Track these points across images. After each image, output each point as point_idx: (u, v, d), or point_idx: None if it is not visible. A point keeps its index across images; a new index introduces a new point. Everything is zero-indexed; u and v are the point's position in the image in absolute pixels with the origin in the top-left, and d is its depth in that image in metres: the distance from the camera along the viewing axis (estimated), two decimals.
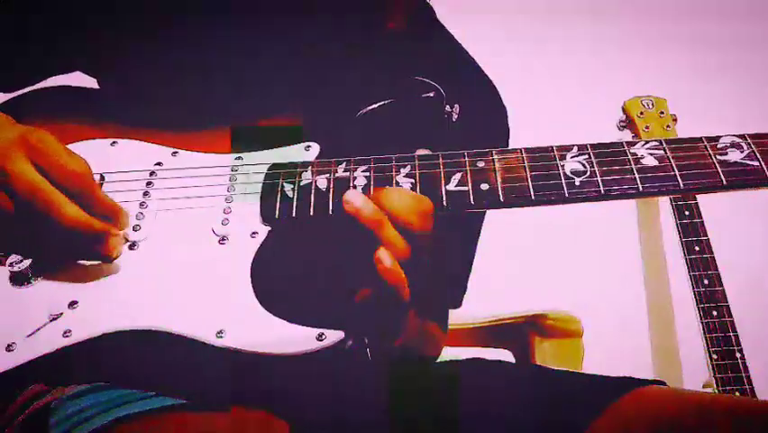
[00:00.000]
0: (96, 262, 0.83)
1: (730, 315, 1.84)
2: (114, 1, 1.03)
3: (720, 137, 0.82)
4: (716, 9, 2.24)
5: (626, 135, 2.04)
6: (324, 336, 0.77)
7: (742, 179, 0.79)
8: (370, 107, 0.97)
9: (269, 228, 0.85)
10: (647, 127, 1.97)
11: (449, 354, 1.14)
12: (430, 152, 0.86)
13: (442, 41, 1.18)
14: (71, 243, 0.81)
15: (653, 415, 0.83)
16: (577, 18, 2.28)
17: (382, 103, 0.97)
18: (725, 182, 0.79)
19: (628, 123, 2.02)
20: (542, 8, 2.24)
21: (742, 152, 0.80)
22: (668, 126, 1.97)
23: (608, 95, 2.10)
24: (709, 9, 2.24)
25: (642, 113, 1.99)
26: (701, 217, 1.94)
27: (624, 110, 2.03)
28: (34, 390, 0.78)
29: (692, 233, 1.92)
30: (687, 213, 1.95)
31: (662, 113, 1.99)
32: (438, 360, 1.14)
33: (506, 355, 1.65)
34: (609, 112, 2.07)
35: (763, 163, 0.79)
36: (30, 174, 0.79)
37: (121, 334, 0.78)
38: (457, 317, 1.57)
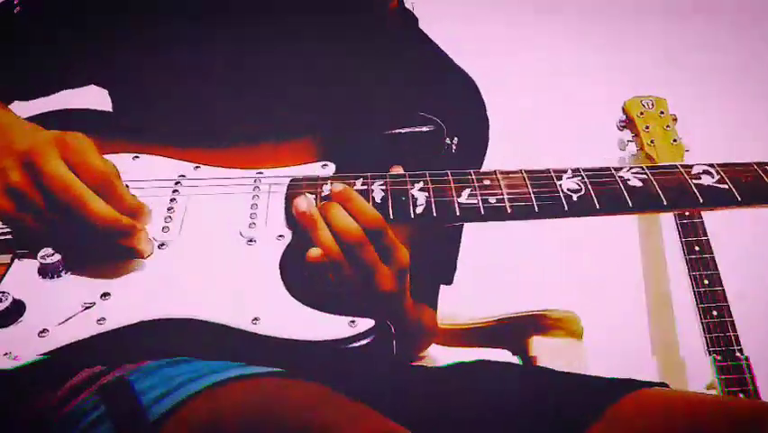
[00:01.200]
0: (124, 260, 0.86)
1: (730, 315, 1.84)
2: (132, 18, 1.06)
3: (693, 165, 0.93)
4: (717, 9, 2.25)
5: (626, 135, 2.04)
6: (355, 323, 0.80)
7: (715, 198, 0.90)
8: (386, 133, 1.01)
9: (293, 232, 0.89)
10: (647, 127, 1.97)
11: (451, 355, 1.15)
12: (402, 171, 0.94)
13: (425, 56, 1.21)
14: (100, 239, 0.83)
15: (654, 417, 0.84)
16: (577, 17, 2.28)
17: (397, 132, 1.01)
18: (701, 201, 0.89)
19: (628, 123, 2.02)
20: (543, 7, 2.25)
21: (713, 177, 0.91)
22: (668, 126, 1.97)
23: (608, 95, 2.10)
24: (712, 9, 2.24)
25: (642, 113, 1.99)
26: (701, 217, 1.94)
27: (624, 110, 2.03)
28: (90, 371, 0.79)
29: (692, 233, 1.92)
30: (687, 213, 1.95)
31: (662, 113, 1.99)
32: (441, 363, 1.15)
33: (506, 356, 1.64)
34: (609, 112, 2.07)
35: (731, 187, 0.90)
36: (62, 172, 0.81)
37: (155, 322, 0.80)
38: (457, 318, 1.57)
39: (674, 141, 1.94)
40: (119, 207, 0.84)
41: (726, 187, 0.89)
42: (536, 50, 2.23)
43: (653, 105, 2.00)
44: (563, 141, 2.11)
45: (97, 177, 0.82)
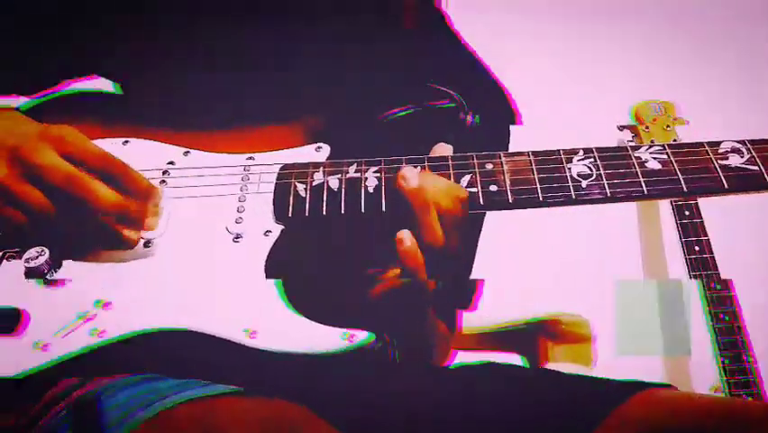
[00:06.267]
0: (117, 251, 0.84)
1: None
2: (129, 4, 1.03)
3: (721, 142, 0.84)
4: (720, 7, 2.25)
5: (627, 136, 2.04)
6: (351, 336, 0.78)
7: (742, 183, 0.81)
8: (394, 112, 0.98)
9: (283, 227, 0.86)
10: (647, 128, 1.98)
11: (460, 358, 1.14)
12: (450, 148, 0.89)
13: (453, 46, 1.18)
14: (103, 228, 0.82)
15: (660, 418, 0.83)
16: (577, 17, 2.28)
17: (407, 110, 0.98)
18: (726, 186, 0.81)
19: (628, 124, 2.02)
20: (544, 9, 2.25)
21: (742, 156, 0.82)
22: (668, 127, 1.98)
23: (607, 94, 2.10)
24: (714, 8, 2.25)
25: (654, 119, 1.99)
26: (701, 217, 1.95)
27: (633, 115, 2.03)
28: (66, 383, 0.78)
29: (692, 233, 1.92)
30: (687, 213, 1.95)
31: (661, 113, 1.99)
32: (450, 364, 1.14)
33: (516, 361, 1.64)
34: (609, 111, 2.07)
35: (762, 168, 0.81)
36: (62, 164, 0.80)
37: (151, 333, 0.79)
38: (467, 322, 1.56)
39: (674, 141, 1.95)
40: (132, 188, 0.83)
41: (757, 168, 0.80)
42: (535, 51, 2.23)
43: (660, 108, 2.00)
44: (563, 141, 2.11)
45: (100, 161, 0.82)
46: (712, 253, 1.91)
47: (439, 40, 1.17)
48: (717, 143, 0.84)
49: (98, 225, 0.82)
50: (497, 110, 1.18)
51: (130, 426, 0.70)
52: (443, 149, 0.90)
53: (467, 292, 1.19)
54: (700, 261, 1.90)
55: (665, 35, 2.27)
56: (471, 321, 1.54)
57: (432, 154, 0.90)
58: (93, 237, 0.83)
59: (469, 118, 1.07)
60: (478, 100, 1.10)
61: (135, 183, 0.84)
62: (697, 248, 1.91)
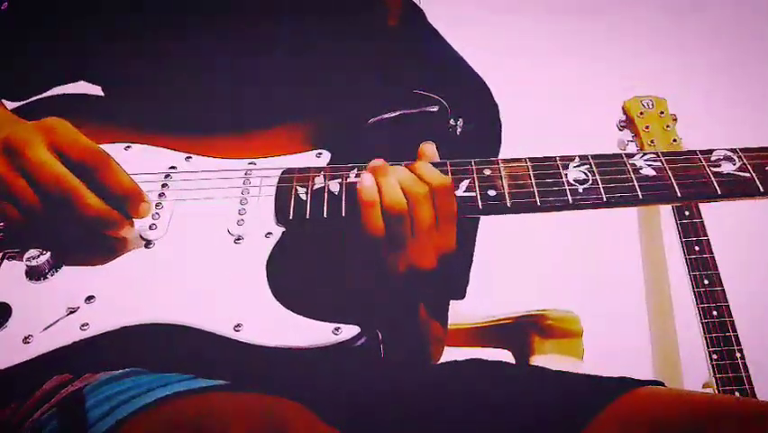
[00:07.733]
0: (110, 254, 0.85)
1: (730, 315, 1.84)
2: (125, 7, 1.04)
3: (713, 150, 0.86)
4: (718, 5, 2.25)
5: (627, 135, 2.04)
6: (340, 330, 0.79)
7: (735, 189, 0.84)
8: (385, 116, 0.99)
9: (283, 229, 0.88)
10: (647, 127, 1.97)
11: (449, 354, 1.15)
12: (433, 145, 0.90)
13: (435, 46, 1.19)
14: (87, 231, 0.82)
15: (651, 416, 0.83)
16: (577, 17, 2.28)
17: (398, 113, 0.99)
18: (719, 192, 0.84)
19: (628, 123, 2.02)
20: (541, 8, 2.25)
21: (734, 164, 0.85)
22: (668, 126, 1.97)
23: (607, 95, 2.10)
24: (713, 7, 2.24)
25: (642, 113, 1.99)
26: (701, 217, 1.94)
27: (624, 110, 2.03)
28: (58, 379, 0.78)
29: (692, 233, 1.92)
30: (687, 213, 1.95)
31: (661, 113, 1.99)
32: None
33: (506, 356, 1.65)
34: (610, 112, 2.07)
35: (754, 175, 0.83)
36: (52, 163, 0.80)
37: (140, 327, 0.79)
38: (457, 317, 1.57)
39: (674, 141, 1.94)
40: (114, 185, 0.83)
41: (749, 175, 0.83)
42: (535, 51, 2.23)
43: (652, 105, 2.00)
44: (563, 141, 2.11)
45: (88, 154, 0.82)
46: (712, 253, 1.90)
47: (424, 39, 1.18)
48: (710, 151, 0.86)
49: (84, 230, 0.82)
50: (485, 110, 1.19)
51: (115, 418, 0.71)
52: (427, 147, 0.91)
53: (463, 284, 1.20)
54: (700, 261, 1.89)
55: (666, 34, 2.27)
56: (460, 317, 1.54)
57: (418, 153, 0.91)
58: (80, 242, 0.84)
59: (460, 123, 1.08)
60: (466, 103, 1.11)
61: (116, 181, 0.83)
62: (697, 248, 1.91)
